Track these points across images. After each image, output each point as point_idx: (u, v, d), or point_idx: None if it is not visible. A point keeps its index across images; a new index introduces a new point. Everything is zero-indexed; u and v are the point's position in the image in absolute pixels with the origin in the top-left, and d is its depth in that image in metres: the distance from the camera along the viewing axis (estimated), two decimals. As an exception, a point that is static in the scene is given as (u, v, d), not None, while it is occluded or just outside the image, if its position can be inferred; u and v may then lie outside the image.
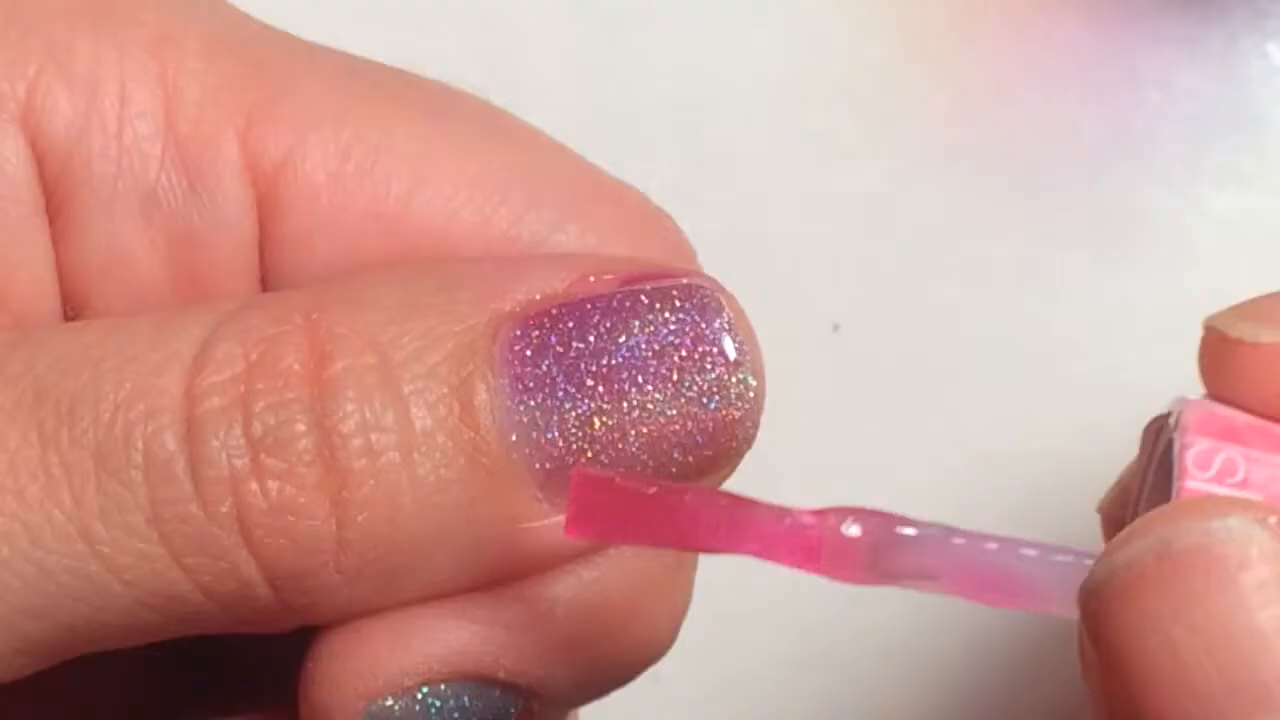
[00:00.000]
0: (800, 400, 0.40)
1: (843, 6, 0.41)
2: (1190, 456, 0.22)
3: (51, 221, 0.25)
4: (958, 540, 0.22)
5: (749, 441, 0.24)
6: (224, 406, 0.22)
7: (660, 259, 0.25)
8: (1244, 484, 0.22)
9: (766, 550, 0.22)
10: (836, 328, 0.41)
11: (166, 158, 0.25)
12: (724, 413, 0.23)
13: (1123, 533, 0.21)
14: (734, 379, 0.23)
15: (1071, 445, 0.40)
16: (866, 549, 0.22)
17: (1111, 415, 0.40)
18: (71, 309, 0.25)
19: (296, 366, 0.22)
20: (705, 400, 0.23)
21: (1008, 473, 0.40)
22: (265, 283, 0.25)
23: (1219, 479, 0.22)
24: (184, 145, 0.25)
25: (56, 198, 0.24)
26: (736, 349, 0.23)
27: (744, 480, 0.40)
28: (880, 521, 0.22)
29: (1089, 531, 0.41)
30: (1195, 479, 0.22)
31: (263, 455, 0.22)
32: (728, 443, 0.24)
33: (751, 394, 0.24)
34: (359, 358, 0.23)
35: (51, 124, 0.24)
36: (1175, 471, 0.22)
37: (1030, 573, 0.22)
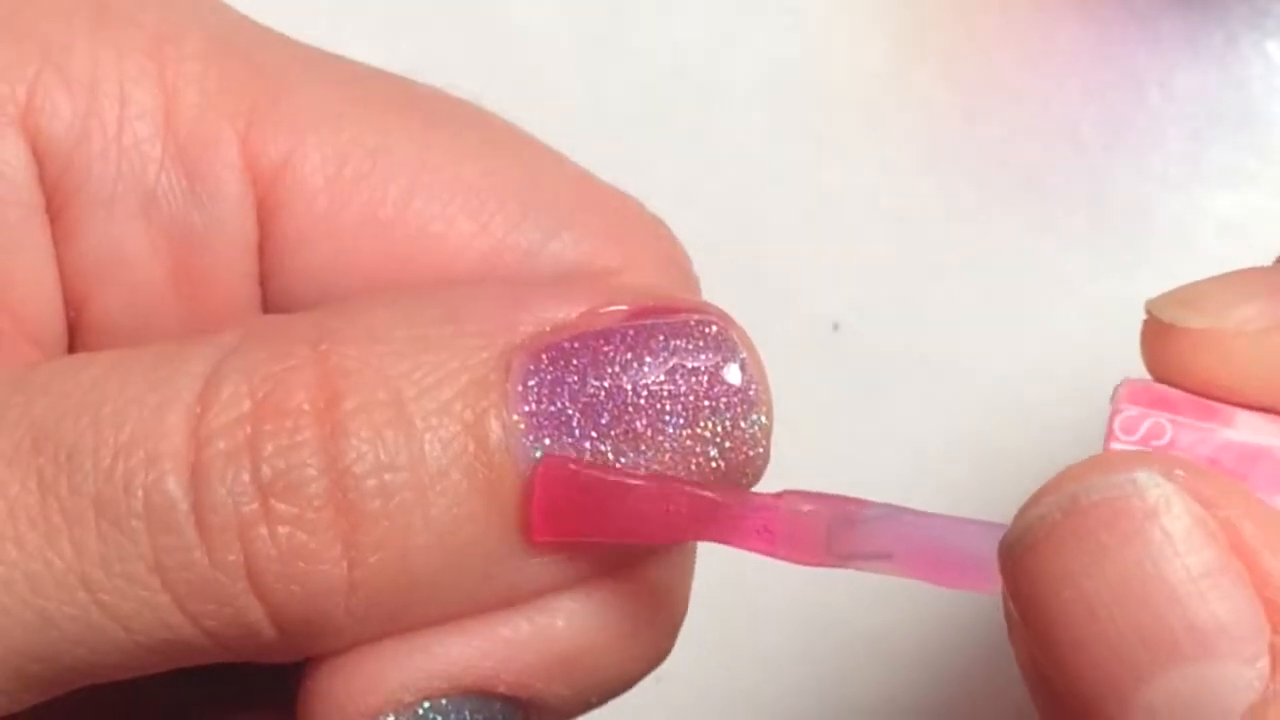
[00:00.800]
0: (800, 399, 0.40)
1: (843, 6, 0.41)
2: (1118, 422, 0.22)
3: (52, 223, 0.25)
4: (908, 518, 0.22)
5: (759, 477, 0.24)
6: (230, 451, 0.22)
7: (655, 273, 0.25)
8: (1169, 447, 0.22)
9: (724, 535, 0.23)
10: (836, 327, 0.41)
11: (166, 159, 0.24)
12: (736, 454, 0.23)
13: (1036, 491, 0.21)
14: (746, 421, 0.23)
15: (1072, 444, 0.40)
16: (822, 530, 0.22)
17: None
18: (72, 309, 0.25)
19: (306, 405, 0.22)
20: (720, 441, 0.23)
21: (1008, 472, 0.40)
22: (264, 284, 0.25)
23: (1144, 441, 0.22)
24: (184, 147, 0.24)
25: (56, 199, 0.24)
26: (752, 390, 0.23)
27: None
28: (833, 502, 0.23)
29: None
30: (1120, 442, 0.22)
31: (272, 500, 0.22)
32: (739, 480, 0.24)
33: (763, 435, 0.23)
34: (370, 394, 0.22)
35: (51, 126, 0.24)
36: (1104, 438, 0.22)
37: (978, 549, 0.22)
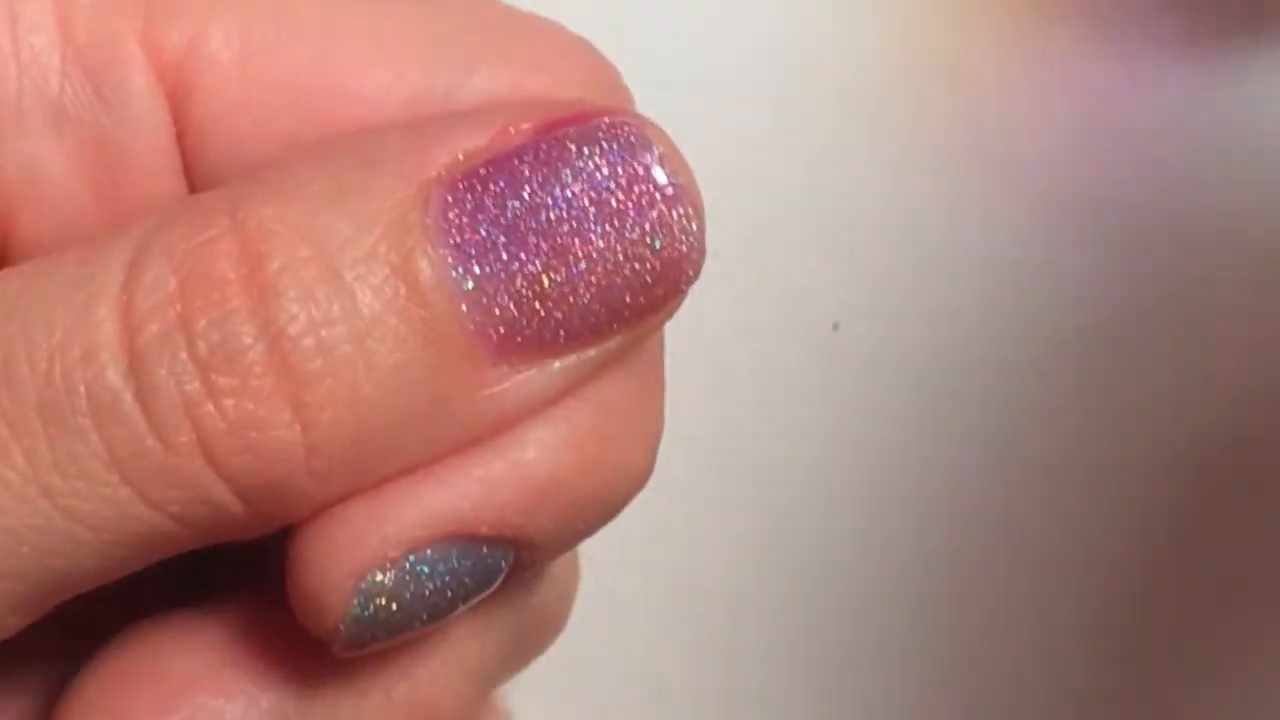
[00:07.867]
0: (800, 399, 0.40)
1: (843, 6, 0.41)
2: None
3: None
4: None
5: (698, 273, 0.24)
6: (163, 332, 0.22)
7: (581, 93, 0.24)
8: None
9: None
10: (836, 327, 0.41)
11: (67, 68, 0.24)
12: (670, 250, 0.23)
13: None
14: (674, 214, 0.23)
15: (1071, 445, 0.40)
16: None
17: (1112, 415, 0.40)
18: None
19: (231, 274, 0.22)
20: (650, 240, 0.23)
21: (1008, 473, 0.40)
22: (188, 173, 0.25)
23: None
24: (83, 53, 0.24)
25: None
26: (671, 183, 0.23)
27: (744, 474, 0.40)
28: None
29: (1089, 529, 0.41)
30: None
31: (213, 374, 0.22)
32: (677, 278, 0.23)
33: (694, 225, 0.23)
34: (294, 252, 0.22)
35: None
36: None
37: None
